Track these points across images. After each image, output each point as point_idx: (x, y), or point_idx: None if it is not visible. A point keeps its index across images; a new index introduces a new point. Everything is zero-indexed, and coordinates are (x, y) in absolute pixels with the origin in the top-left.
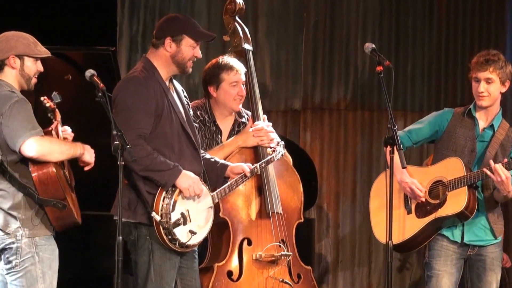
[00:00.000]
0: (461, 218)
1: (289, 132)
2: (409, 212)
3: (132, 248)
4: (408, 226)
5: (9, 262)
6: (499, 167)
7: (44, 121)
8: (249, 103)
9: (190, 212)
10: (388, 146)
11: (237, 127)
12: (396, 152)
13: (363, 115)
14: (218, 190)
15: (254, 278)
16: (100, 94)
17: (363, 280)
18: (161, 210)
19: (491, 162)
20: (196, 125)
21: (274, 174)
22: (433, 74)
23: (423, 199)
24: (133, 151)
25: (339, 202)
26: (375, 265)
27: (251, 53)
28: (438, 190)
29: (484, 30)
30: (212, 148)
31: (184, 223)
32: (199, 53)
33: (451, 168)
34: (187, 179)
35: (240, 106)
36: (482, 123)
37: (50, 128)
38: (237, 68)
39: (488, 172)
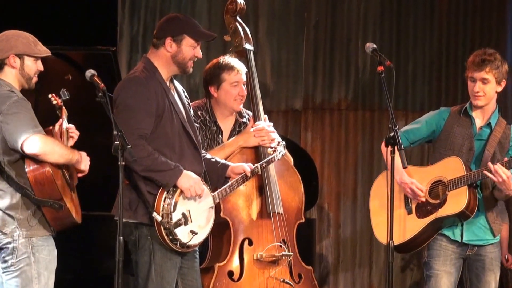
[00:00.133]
0: (461, 217)
1: (290, 132)
2: (409, 212)
3: (133, 248)
4: (409, 226)
5: (5, 261)
6: (498, 167)
7: (44, 121)
8: (250, 103)
9: (191, 212)
10: (389, 146)
11: (238, 127)
12: (396, 152)
13: (364, 115)
14: (219, 190)
15: (255, 278)
16: (100, 94)
17: (364, 280)
18: (162, 210)
19: (490, 164)
20: (197, 125)
21: (275, 174)
22: (434, 74)
23: (423, 199)
24: (134, 151)
25: (340, 202)
26: (376, 265)
27: (252, 53)
28: (438, 190)
29: (485, 30)
30: (213, 148)
31: (185, 223)
32: (199, 53)
33: (451, 167)
34: (188, 179)
35: (241, 106)
36: (479, 122)
37: (50, 128)
38: (238, 68)
39: (489, 174)
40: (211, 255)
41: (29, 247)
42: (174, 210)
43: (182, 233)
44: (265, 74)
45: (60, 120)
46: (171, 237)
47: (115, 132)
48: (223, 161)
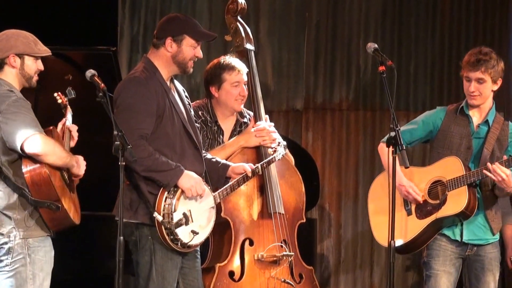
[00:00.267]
0: (461, 217)
1: (291, 132)
2: (409, 213)
3: (134, 248)
4: (409, 227)
5: (1, 261)
6: (496, 167)
7: (44, 121)
8: (251, 103)
9: (192, 212)
10: (391, 147)
11: (239, 127)
12: (390, 153)
13: (365, 115)
14: (220, 190)
15: (256, 278)
16: (100, 94)
17: (365, 280)
18: (163, 211)
19: (489, 164)
20: (198, 125)
21: (276, 174)
22: (436, 74)
23: (421, 200)
24: (135, 152)
25: (341, 202)
26: (377, 265)
27: (253, 53)
28: (438, 190)
29: (487, 30)
30: (213, 148)
31: (186, 223)
32: (200, 53)
33: (450, 167)
34: (189, 179)
35: (242, 106)
36: (476, 120)
37: (50, 128)
38: (239, 68)
39: (488, 173)
40: (211, 255)
41: (25, 248)
42: (175, 210)
43: (183, 233)
44: (266, 74)
45: (64, 119)
46: (172, 237)
47: (115, 132)
48: (223, 161)
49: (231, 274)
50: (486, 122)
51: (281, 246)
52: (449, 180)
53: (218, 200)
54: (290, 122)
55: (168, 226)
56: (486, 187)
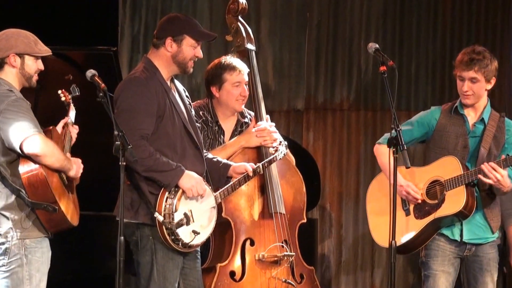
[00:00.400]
0: (460, 217)
1: (292, 132)
2: (407, 213)
3: (135, 248)
4: (408, 228)
5: None
6: (491, 168)
7: (44, 121)
8: (252, 103)
9: (193, 212)
10: (392, 147)
11: (240, 127)
12: (390, 153)
13: (366, 115)
14: (221, 190)
15: (256, 278)
16: (101, 94)
17: (366, 281)
18: (164, 211)
19: (482, 166)
20: (198, 125)
21: (277, 174)
22: (437, 74)
23: (419, 200)
24: (135, 152)
25: (342, 203)
26: (378, 265)
27: (254, 53)
28: (436, 190)
29: (489, 30)
30: (214, 148)
31: (187, 223)
32: (200, 53)
33: (448, 167)
34: (190, 179)
35: (243, 106)
36: (471, 118)
37: (50, 128)
38: (239, 69)
39: (483, 178)
40: (212, 255)
41: (22, 249)
42: (176, 210)
43: (184, 233)
44: (267, 74)
45: (65, 118)
46: (173, 237)
47: (116, 132)
48: (224, 160)
49: (232, 274)
50: (481, 120)
51: (282, 246)
52: (447, 180)
53: (219, 200)
54: (291, 122)
55: (169, 226)
56: (484, 186)
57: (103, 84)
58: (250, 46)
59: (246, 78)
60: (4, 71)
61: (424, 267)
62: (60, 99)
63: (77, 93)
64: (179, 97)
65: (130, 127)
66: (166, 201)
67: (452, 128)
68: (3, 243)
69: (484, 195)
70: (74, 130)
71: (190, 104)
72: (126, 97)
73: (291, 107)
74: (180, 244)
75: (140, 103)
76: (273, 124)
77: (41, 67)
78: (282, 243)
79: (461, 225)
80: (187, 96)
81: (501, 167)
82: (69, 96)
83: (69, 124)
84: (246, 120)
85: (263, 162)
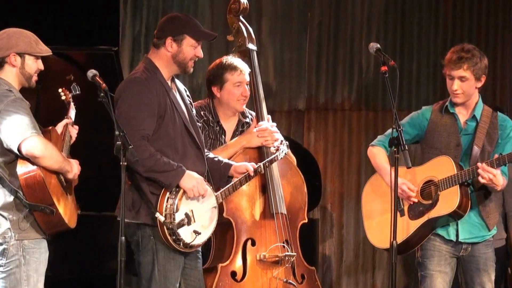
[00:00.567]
0: (454, 217)
1: (293, 132)
2: (402, 214)
3: (136, 248)
4: (402, 228)
5: None
6: (483, 168)
7: (45, 121)
8: (253, 103)
9: (194, 212)
10: (393, 147)
11: (241, 127)
12: (383, 153)
13: (368, 115)
14: (222, 190)
15: (258, 278)
16: (102, 94)
17: (367, 281)
18: (165, 211)
19: (478, 164)
20: (200, 124)
21: (278, 174)
22: (438, 74)
23: (415, 200)
24: (136, 153)
25: (343, 203)
26: (379, 266)
27: (255, 53)
28: (430, 190)
29: (490, 30)
30: (215, 149)
31: (188, 223)
32: (200, 53)
33: (442, 167)
34: (191, 179)
35: (244, 106)
36: (462, 116)
37: (49, 128)
38: (241, 69)
39: (482, 180)
40: (213, 255)
41: (20, 249)
42: (177, 210)
43: (185, 233)
44: (268, 74)
45: (65, 119)
46: (174, 237)
47: (117, 132)
48: (226, 160)
49: (233, 274)
50: (473, 117)
51: (283, 247)
52: (440, 179)
53: (220, 200)
54: (292, 122)
55: (170, 226)
56: (478, 184)
57: (104, 84)
58: (251, 46)
59: (247, 78)
60: (4, 71)
61: (420, 268)
62: (61, 98)
63: (78, 92)
64: (180, 97)
65: (130, 128)
66: (167, 201)
67: (444, 127)
68: (1, 244)
69: (478, 194)
70: (73, 131)
71: (191, 103)
72: (127, 98)
73: (292, 107)
74: (181, 244)
75: (141, 103)
76: (274, 124)
77: (41, 67)
78: (283, 243)
79: (457, 225)
80: (188, 96)
81: (494, 167)
82: (70, 95)
83: (69, 124)
84: (247, 120)
85: (264, 161)
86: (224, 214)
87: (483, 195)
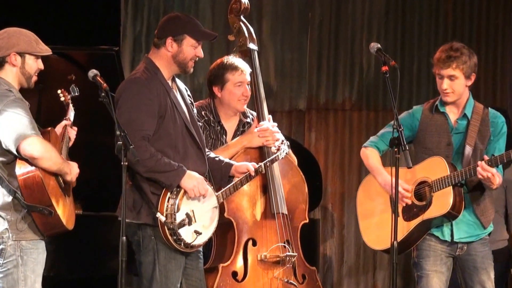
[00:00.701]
0: (449, 218)
1: (294, 132)
2: (397, 215)
3: (137, 248)
4: (397, 229)
5: None
6: (481, 167)
7: (46, 121)
8: (254, 103)
9: (195, 212)
10: (394, 147)
11: (242, 127)
12: (376, 153)
13: (368, 115)
14: (223, 189)
15: (259, 278)
16: (103, 94)
17: (368, 281)
18: (166, 211)
19: (479, 162)
20: (200, 124)
21: (279, 174)
22: None
23: (409, 201)
24: (137, 153)
25: (343, 203)
26: (380, 266)
27: (256, 53)
28: (424, 191)
29: (490, 29)
30: (216, 148)
31: (189, 223)
32: (201, 53)
33: (435, 168)
34: (192, 179)
35: (245, 106)
36: (453, 116)
37: (49, 129)
38: (242, 69)
39: (480, 176)
40: (215, 256)
41: (17, 250)
42: (178, 210)
43: (186, 233)
44: (269, 74)
45: (64, 121)
46: (175, 237)
47: (117, 132)
48: (227, 160)
49: (234, 274)
50: (464, 116)
51: (284, 247)
52: (434, 180)
53: (221, 200)
54: (293, 122)
55: (171, 226)
56: (472, 184)
57: (105, 84)
58: (252, 46)
59: (248, 78)
60: (4, 70)
61: (416, 268)
62: (59, 99)
63: (77, 93)
64: (180, 96)
65: (131, 128)
66: (168, 201)
67: (434, 126)
68: None
69: (472, 193)
70: (73, 132)
71: (192, 103)
72: (127, 98)
73: (293, 107)
74: (182, 244)
75: (141, 104)
76: (275, 124)
77: (41, 66)
78: (284, 243)
79: (451, 225)
80: (189, 96)
81: (492, 166)
82: (68, 96)
83: (68, 125)
84: (248, 120)
85: (265, 161)
86: (225, 214)
87: (477, 194)
